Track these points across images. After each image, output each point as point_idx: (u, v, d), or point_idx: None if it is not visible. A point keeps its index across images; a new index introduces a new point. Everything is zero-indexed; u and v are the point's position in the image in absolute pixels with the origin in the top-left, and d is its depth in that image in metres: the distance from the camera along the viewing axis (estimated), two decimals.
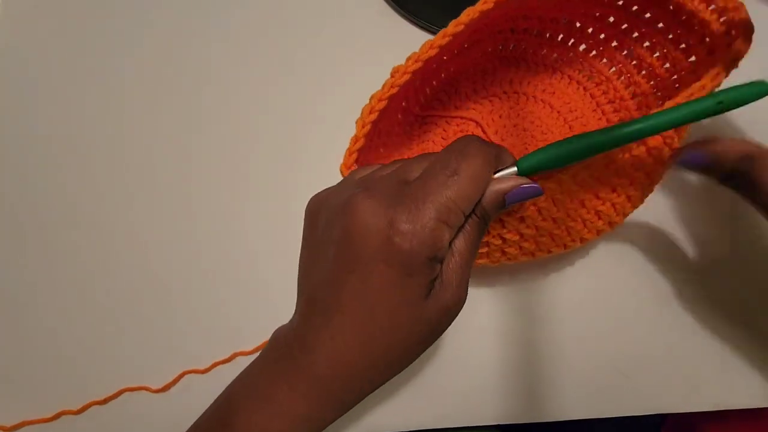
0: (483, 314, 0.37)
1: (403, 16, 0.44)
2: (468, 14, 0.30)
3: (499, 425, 0.36)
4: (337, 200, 0.24)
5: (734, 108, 0.24)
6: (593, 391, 0.35)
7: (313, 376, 0.23)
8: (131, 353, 0.38)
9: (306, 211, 0.26)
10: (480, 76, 0.41)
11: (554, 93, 0.40)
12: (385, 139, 0.36)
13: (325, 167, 0.42)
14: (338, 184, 0.27)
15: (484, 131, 0.39)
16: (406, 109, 0.39)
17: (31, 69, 0.45)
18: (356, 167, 0.30)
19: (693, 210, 0.38)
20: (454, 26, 0.30)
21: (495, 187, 0.24)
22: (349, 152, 0.30)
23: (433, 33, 0.43)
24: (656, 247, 0.37)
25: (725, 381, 0.36)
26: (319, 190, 0.27)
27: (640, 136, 0.25)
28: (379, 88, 0.35)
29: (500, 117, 0.40)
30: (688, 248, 0.37)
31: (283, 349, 0.25)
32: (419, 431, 0.36)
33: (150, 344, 0.38)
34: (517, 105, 0.40)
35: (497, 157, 0.25)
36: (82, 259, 0.40)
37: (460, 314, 0.25)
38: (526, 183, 0.25)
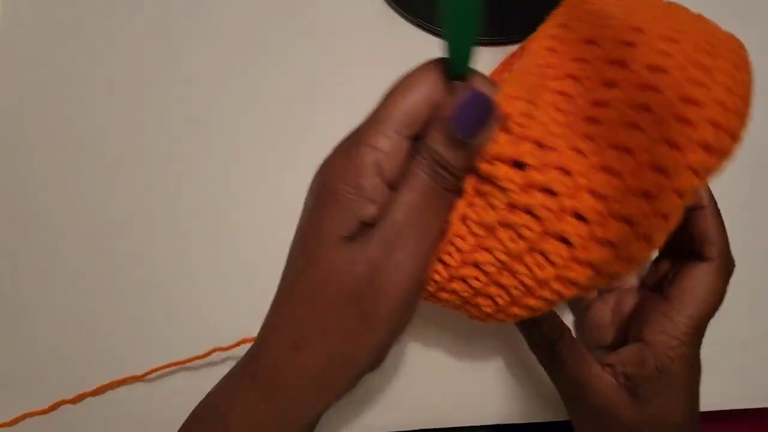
0: None
1: (403, 16, 0.44)
2: None
3: (498, 425, 0.36)
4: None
5: None
6: None
7: (261, 378, 0.20)
8: (118, 344, 0.39)
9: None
10: None
11: None
12: None
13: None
14: None
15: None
16: None
17: (31, 69, 0.45)
18: None
19: None
20: None
21: (441, 112, 0.19)
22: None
23: (434, 33, 0.43)
24: None
25: (724, 381, 0.36)
26: None
27: None
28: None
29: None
30: None
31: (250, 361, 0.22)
32: (419, 431, 0.36)
33: (142, 335, 0.39)
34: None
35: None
36: (75, 252, 0.40)
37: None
38: (475, 89, 0.19)
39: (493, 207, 0.19)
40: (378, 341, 0.20)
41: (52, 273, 0.40)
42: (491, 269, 0.20)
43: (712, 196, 0.27)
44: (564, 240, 0.18)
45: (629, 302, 0.30)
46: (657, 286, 0.29)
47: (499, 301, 0.21)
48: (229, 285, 0.39)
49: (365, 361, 0.20)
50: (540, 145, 0.18)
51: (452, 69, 0.19)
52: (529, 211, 0.19)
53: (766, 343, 0.37)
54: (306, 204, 0.21)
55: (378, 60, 0.43)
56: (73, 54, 0.45)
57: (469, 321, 0.29)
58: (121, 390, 0.38)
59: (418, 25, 0.43)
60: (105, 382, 0.37)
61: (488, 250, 0.20)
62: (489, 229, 0.20)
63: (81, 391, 0.37)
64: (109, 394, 0.38)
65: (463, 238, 0.20)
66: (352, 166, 0.19)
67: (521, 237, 0.19)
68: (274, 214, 0.40)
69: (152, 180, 0.42)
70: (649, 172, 0.17)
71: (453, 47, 0.18)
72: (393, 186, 0.19)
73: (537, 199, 0.18)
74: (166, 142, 0.42)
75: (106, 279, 0.40)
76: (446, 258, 0.21)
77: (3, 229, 0.41)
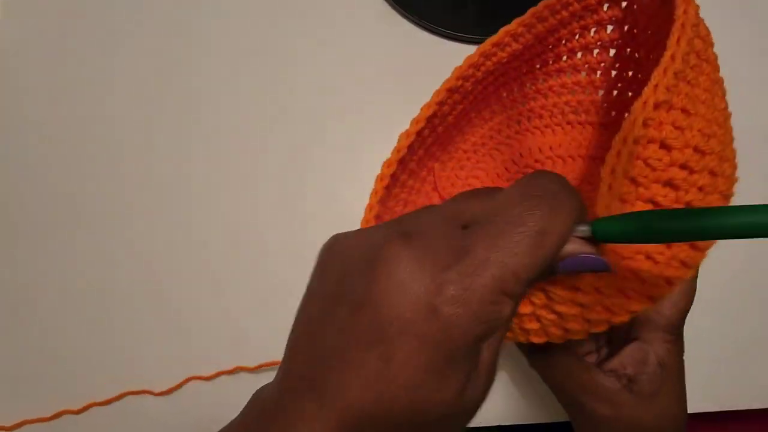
0: None
1: (404, 16, 0.44)
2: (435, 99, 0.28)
3: (499, 425, 0.36)
4: (363, 244, 0.18)
5: None
6: None
7: None
8: (134, 356, 0.38)
9: (320, 253, 0.20)
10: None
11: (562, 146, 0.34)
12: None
13: (330, 171, 0.42)
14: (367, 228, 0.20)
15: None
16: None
17: (31, 69, 0.45)
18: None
19: None
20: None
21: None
22: (369, 208, 0.27)
23: (434, 33, 0.43)
24: None
25: (724, 382, 0.36)
26: (339, 231, 0.20)
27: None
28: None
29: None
30: None
31: (264, 426, 0.18)
32: None
33: (153, 347, 0.38)
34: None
35: (582, 211, 0.19)
36: (86, 260, 0.40)
37: None
38: (590, 252, 0.19)
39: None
40: None
41: (62, 279, 0.40)
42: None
43: None
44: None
45: None
46: None
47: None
48: (252, 302, 0.39)
49: None
50: None
51: (593, 231, 0.19)
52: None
53: (765, 344, 0.37)
54: (403, 329, 0.16)
55: (378, 59, 0.43)
56: (74, 54, 0.45)
57: None
58: (128, 402, 0.38)
59: (419, 25, 0.43)
60: (112, 393, 0.37)
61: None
62: None
63: (85, 400, 0.37)
64: (114, 405, 0.38)
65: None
66: (488, 317, 0.16)
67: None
68: (294, 224, 0.40)
69: (168, 187, 0.41)
70: None
71: (606, 224, 0.19)
72: None
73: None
74: (174, 150, 0.42)
75: (118, 287, 0.40)
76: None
77: (10, 234, 0.41)
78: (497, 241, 0.17)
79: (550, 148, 0.34)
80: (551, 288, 0.21)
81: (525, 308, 0.22)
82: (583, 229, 0.19)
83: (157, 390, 0.37)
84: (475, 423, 0.36)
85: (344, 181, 0.41)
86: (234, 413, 0.27)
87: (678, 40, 0.20)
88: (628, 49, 0.29)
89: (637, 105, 0.19)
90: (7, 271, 0.40)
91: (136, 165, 0.42)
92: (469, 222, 0.18)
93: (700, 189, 0.20)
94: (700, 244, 0.20)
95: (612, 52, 0.30)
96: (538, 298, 0.22)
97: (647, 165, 0.19)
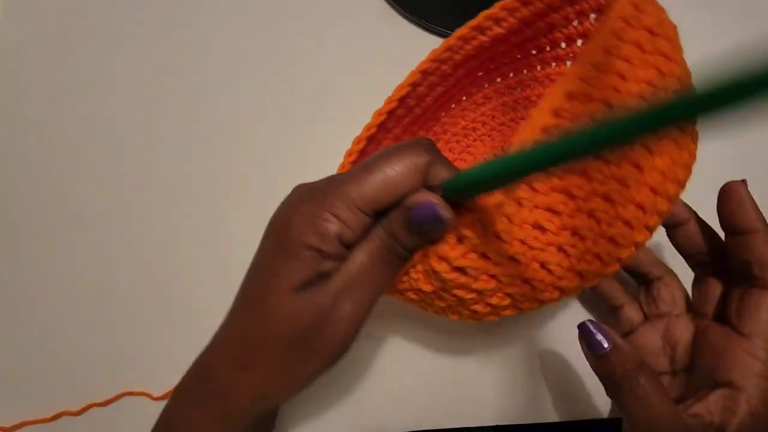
0: None
1: (403, 16, 0.44)
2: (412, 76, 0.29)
3: (498, 425, 0.36)
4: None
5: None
6: (593, 392, 0.35)
7: (212, 387, 0.24)
8: (133, 356, 0.38)
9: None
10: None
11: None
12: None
13: (326, 170, 0.42)
14: None
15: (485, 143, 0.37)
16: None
17: (31, 69, 0.45)
18: None
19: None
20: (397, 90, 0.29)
21: (406, 200, 0.22)
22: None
23: (434, 33, 0.43)
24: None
25: None
26: None
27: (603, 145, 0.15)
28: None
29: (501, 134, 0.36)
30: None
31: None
32: (419, 431, 0.36)
33: (152, 348, 0.38)
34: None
35: (431, 168, 0.22)
36: (84, 260, 0.40)
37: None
38: (435, 201, 0.21)
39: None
40: (311, 374, 0.23)
41: (61, 278, 0.40)
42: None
43: (764, 220, 0.26)
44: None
45: (681, 330, 0.29)
46: (719, 316, 0.27)
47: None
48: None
49: (299, 387, 0.24)
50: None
51: (446, 187, 0.21)
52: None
53: None
54: (264, 246, 0.24)
55: (378, 59, 0.43)
56: (74, 54, 0.45)
57: (468, 322, 0.29)
58: (128, 404, 0.38)
59: (418, 25, 0.43)
60: (111, 394, 0.37)
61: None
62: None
63: (85, 401, 0.37)
64: (114, 407, 0.38)
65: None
66: (316, 231, 0.21)
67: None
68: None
69: (163, 188, 0.41)
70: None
71: (460, 178, 0.21)
72: (350, 246, 0.22)
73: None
74: (170, 149, 0.42)
75: (115, 287, 0.40)
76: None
77: (9, 234, 0.41)
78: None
79: None
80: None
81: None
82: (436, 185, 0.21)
83: (155, 394, 0.37)
84: (474, 422, 0.36)
85: None
86: None
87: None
88: None
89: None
90: (7, 272, 0.40)
91: (136, 165, 0.42)
92: None
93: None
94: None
95: None
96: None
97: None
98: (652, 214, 0.21)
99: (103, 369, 0.38)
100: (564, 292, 0.23)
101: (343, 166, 0.31)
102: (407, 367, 0.37)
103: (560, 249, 0.21)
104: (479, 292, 0.22)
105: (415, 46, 0.43)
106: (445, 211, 0.21)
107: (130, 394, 0.38)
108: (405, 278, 0.24)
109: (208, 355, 0.26)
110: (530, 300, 0.23)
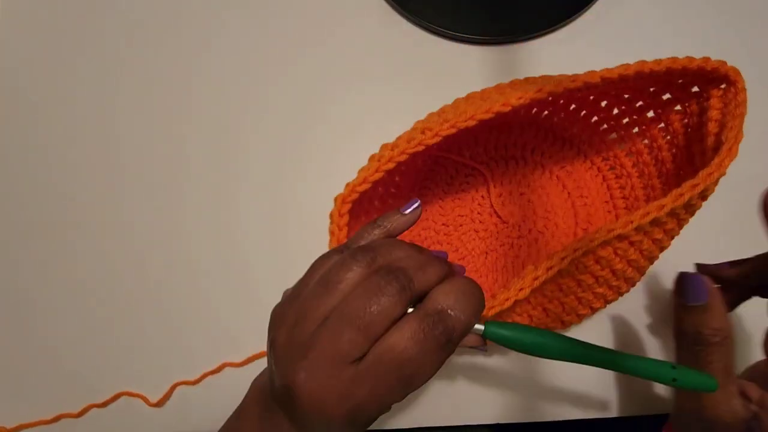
0: None
1: (403, 15, 0.44)
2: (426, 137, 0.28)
3: (498, 425, 0.36)
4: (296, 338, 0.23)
5: (684, 388, 0.25)
6: (593, 391, 0.35)
7: None
8: (133, 357, 0.39)
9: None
10: (505, 132, 0.38)
11: (572, 173, 0.38)
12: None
13: (327, 170, 0.42)
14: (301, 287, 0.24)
15: (488, 190, 0.38)
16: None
17: (31, 69, 0.45)
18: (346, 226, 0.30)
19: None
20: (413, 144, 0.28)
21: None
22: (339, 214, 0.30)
23: (435, 33, 0.43)
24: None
25: None
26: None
27: (606, 367, 0.25)
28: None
29: (510, 182, 0.38)
30: None
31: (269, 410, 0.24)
32: (419, 429, 0.36)
33: (146, 349, 0.39)
34: (531, 175, 0.38)
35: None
36: (84, 263, 0.40)
37: None
38: (481, 345, 0.27)
39: None
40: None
41: (59, 282, 0.40)
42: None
43: None
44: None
45: None
46: None
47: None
48: (240, 303, 0.39)
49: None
50: None
51: (485, 331, 0.26)
52: None
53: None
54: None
55: (378, 59, 0.43)
56: (73, 54, 0.45)
57: None
58: (127, 406, 0.38)
59: (418, 25, 0.43)
60: (109, 395, 0.38)
61: None
62: None
63: (84, 402, 0.38)
64: (113, 409, 0.38)
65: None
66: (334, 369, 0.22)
67: None
68: (277, 218, 0.40)
69: (156, 192, 0.41)
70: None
71: (497, 328, 0.26)
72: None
73: None
74: (169, 150, 0.42)
75: (112, 290, 0.40)
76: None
77: (9, 236, 0.41)
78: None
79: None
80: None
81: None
82: (479, 328, 0.25)
83: (153, 400, 0.38)
84: (473, 422, 0.36)
85: (344, 181, 0.41)
86: (228, 411, 0.27)
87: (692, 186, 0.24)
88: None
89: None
90: (6, 272, 0.40)
91: (136, 168, 0.42)
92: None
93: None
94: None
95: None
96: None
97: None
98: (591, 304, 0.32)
99: (102, 371, 0.38)
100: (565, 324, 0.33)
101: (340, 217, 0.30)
102: None
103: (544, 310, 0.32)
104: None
105: (415, 46, 0.43)
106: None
107: (128, 394, 0.38)
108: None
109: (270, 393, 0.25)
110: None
